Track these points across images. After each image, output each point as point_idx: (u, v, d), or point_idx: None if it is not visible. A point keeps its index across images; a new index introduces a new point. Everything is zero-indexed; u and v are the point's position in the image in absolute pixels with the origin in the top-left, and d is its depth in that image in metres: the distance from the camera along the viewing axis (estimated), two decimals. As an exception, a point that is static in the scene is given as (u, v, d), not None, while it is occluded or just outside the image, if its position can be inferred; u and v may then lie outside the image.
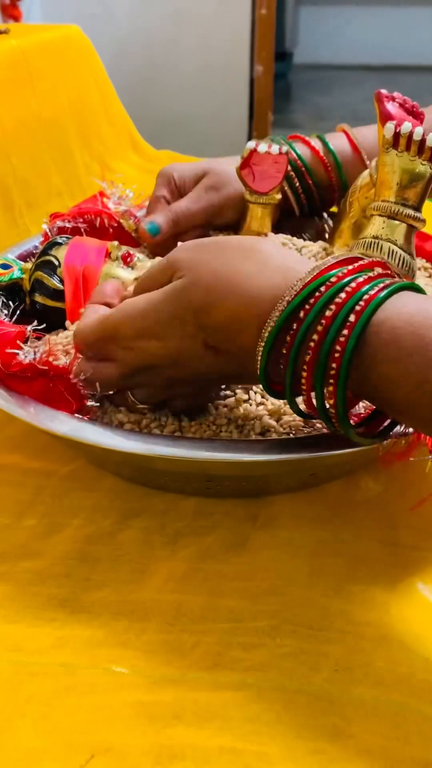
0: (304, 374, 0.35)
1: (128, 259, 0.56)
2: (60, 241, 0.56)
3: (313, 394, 0.35)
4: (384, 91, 0.50)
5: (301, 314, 0.35)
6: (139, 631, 0.37)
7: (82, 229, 0.62)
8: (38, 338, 0.50)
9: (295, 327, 0.35)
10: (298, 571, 0.40)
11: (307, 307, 0.35)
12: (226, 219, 0.63)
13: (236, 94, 2.34)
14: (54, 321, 0.53)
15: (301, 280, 0.35)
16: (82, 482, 0.47)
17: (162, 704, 0.33)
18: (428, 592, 0.39)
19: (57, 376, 0.43)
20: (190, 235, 0.62)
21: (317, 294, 0.35)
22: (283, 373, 0.36)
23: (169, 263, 0.40)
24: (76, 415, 0.43)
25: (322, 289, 0.34)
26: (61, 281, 0.54)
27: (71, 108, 0.99)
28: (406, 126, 0.46)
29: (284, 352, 0.36)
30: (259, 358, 0.36)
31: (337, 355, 0.33)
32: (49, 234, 0.60)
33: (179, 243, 0.42)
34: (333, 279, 0.35)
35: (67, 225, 0.61)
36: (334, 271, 0.35)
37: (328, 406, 0.35)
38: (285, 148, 0.58)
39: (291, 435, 0.42)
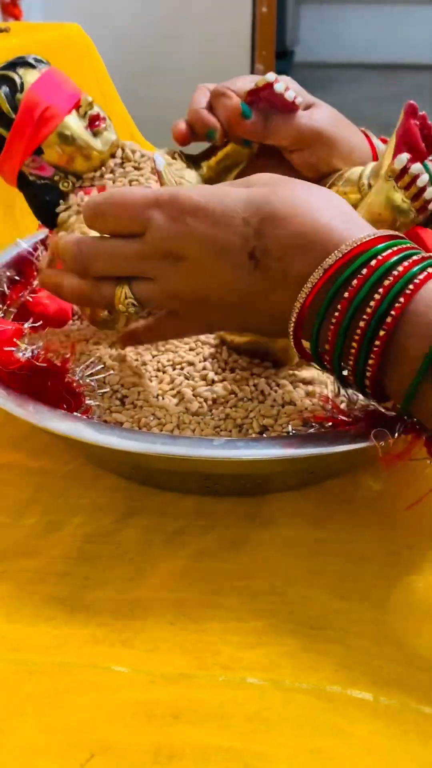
0: (355, 342, 0.34)
1: (96, 123, 0.51)
2: (32, 62, 0.51)
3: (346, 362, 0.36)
4: (415, 105, 0.48)
5: (347, 294, 0.34)
6: (138, 629, 0.37)
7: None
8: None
9: (355, 284, 0.34)
10: (297, 570, 0.40)
11: (355, 283, 0.34)
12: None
13: (237, 93, 2.34)
14: None
15: (366, 236, 0.35)
16: (81, 481, 0.47)
17: (161, 703, 0.33)
18: (427, 591, 0.39)
19: (55, 374, 0.42)
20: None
21: (360, 276, 0.34)
22: (335, 331, 0.35)
23: (245, 180, 0.40)
24: (75, 413, 0.43)
25: (373, 263, 0.34)
26: (15, 110, 0.49)
27: (71, 107, 0.98)
28: (416, 168, 0.46)
29: (338, 311, 0.35)
30: (308, 288, 0.35)
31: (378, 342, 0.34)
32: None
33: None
34: (373, 262, 0.34)
35: None
36: (385, 244, 0.35)
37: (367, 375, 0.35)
38: (299, 100, 0.53)
39: (290, 433, 0.42)
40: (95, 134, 0.51)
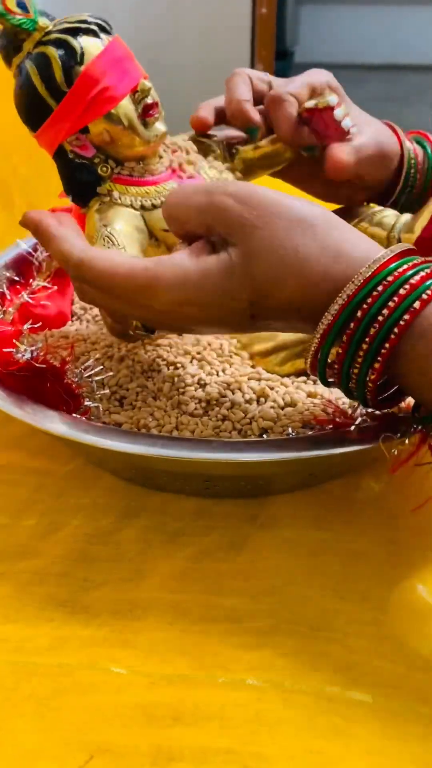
0: (356, 366, 0.36)
1: (150, 112, 0.47)
2: (96, 30, 0.46)
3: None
4: None
5: (359, 314, 0.35)
6: (137, 630, 0.37)
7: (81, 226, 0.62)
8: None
9: (353, 326, 0.35)
10: (297, 571, 0.40)
11: (365, 306, 0.34)
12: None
13: (237, 94, 2.34)
14: (33, 111, 0.48)
15: (361, 274, 0.35)
16: (81, 482, 0.47)
17: (161, 705, 0.33)
18: (427, 593, 0.39)
19: (54, 375, 0.42)
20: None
21: (374, 293, 0.34)
22: (339, 368, 0.36)
23: (218, 216, 0.37)
24: (74, 414, 0.43)
25: (380, 288, 0.34)
26: (69, 83, 0.45)
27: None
28: None
29: (340, 350, 0.36)
30: (313, 351, 0.36)
31: (384, 351, 0.34)
32: None
33: (227, 186, 0.39)
34: (390, 278, 0.35)
35: None
36: (393, 265, 0.35)
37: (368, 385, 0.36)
38: (354, 129, 0.51)
39: (290, 435, 0.42)
40: (146, 124, 0.48)
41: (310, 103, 0.51)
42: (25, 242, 0.60)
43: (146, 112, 0.47)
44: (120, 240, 0.46)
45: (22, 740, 0.32)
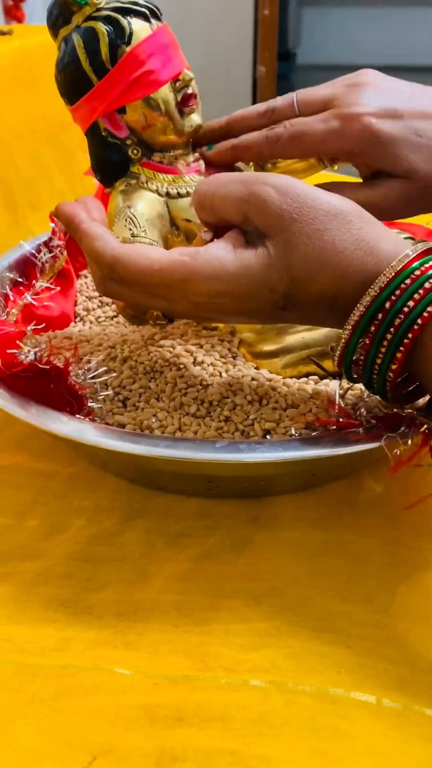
0: (380, 356, 0.36)
1: (189, 102, 0.48)
2: (147, 14, 0.46)
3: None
4: None
5: (387, 305, 0.35)
6: (141, 632, 0.37)
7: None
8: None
9: (380, 317, 0.36)
10: (299, 572, 0.40)
11: (393, 298, 0.35)
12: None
13: (239, 95, 2.35)
14: (73, 84, 0.47)
15: (392, 267, 0.36)
16: (84, 483, 0.47)
17: (164, 705, 0.33)
18: (431, 594, 0.39)
19: (58, 376, 0.43)
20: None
21: (402, 286, 0.35)
22: (364, 359, 0.37)
23: (257, 206, 0.38)
24: (78, 415, 0.43)
25: (407, 281, 0.35)
26: (114, 61, 0.45)
27: (74, 109, 0.99)
28: None
29: (367, 340, 0.36)
30: (344, 342, 0.37)
31: (406, 341, 0.35)
32: (56, 231, 0.60)
33: (266, 177, 0.39)
34: (417, 272, 0.35)
35: None
36: (418, 262, 0.36)
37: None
38: None
39: (292, 436, 0.42)
40: (182, 113, 0.48)
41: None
42: (28, 243, 0.60)
43: (185, 102, 0.47)
44: (141, 223, 0.47)
45: (26, 741, 0.32)
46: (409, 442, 0.38)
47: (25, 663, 0.35)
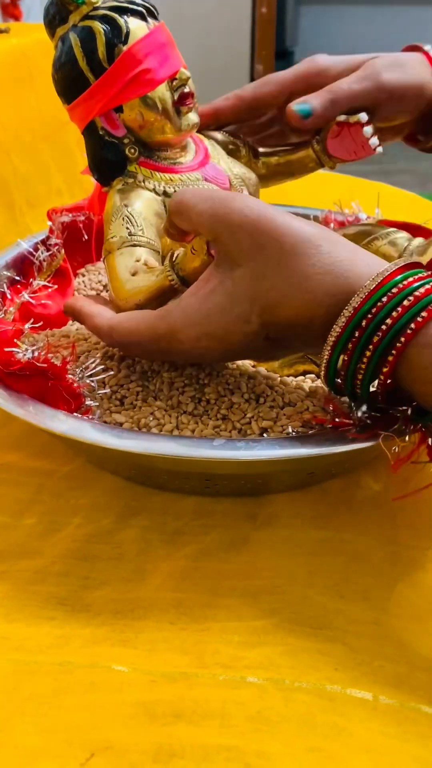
0: (360, 372, 0.37)
1: (185, 101, 0.48)
2: (144, 14, 0.47)
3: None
4: None
5: (364, 323, 0.36)
6: (138, 629, 0.37)
7: (81, 225, 0.62)
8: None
9: (357, 335, 0.36)
10: (297, 570, 0.40)
11: (369, 316, 0.36)
12: (398, 111, 0.53)
13: (237, 94, 2.34)
14: (70, 84, 0.48)
15: (365, 287, 0.36)
16: (81, 481, 0.47)
17: (162, 703, 0.33)
18: (428, 592, 0.39)
19: (55, 374, 0.43)
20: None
21: (379, 304, 0.36)
22: (344, 375, 0.38)
23: (229, 230, 0.39)
24: (75, 414, 0.43)
25: (384, 299, 0.35)
26: (111, 60, 0.46)
27: (71, 107, 0.99)
28: None
29: (345, 357, 0.37)
30: (325, 362, 0.38)
31: (390, 358, 0.36)
32: (54, 229, 0.60)
33: (243, 200, 0.39)
34: (394, 290, 0.36)
35: (66, 219, 0.61)
36: (398, 277, 0.36)
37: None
38: (380, 150, 0.52)
39: (289, 434, 0.42)
40: (179, 112, 0.48)
41: (341, 118, 0.51)
42: (25, 242, 0.60)
43: (182, 101, 0.48)
44: (138, 221, 0.47)
45: (24, 738, 0.32)
46: (407, 439, 0.38)
47: (23, 660, 0.35)
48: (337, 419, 0.40)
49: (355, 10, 4.30)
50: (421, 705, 0.33)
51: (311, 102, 0.51)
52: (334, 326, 0.36)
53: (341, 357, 0.37)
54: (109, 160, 0.49)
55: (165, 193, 0.49)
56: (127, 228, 0.47)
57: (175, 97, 0.48)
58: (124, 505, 0.45)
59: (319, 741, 0.31)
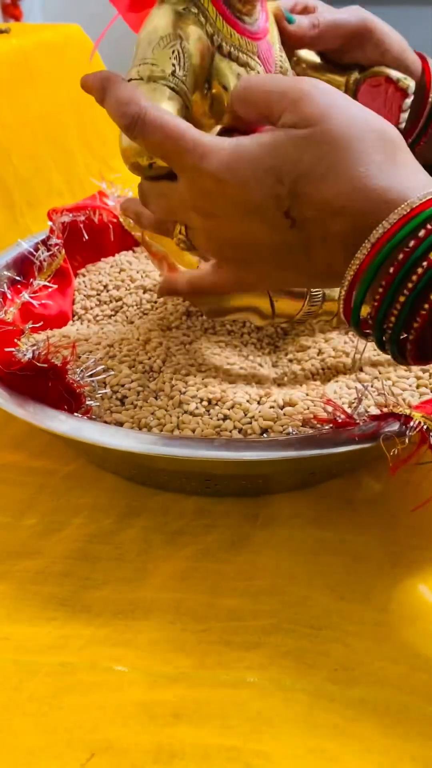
0: (395, 312, 0.33)
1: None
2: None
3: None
4: None
5: (412, 243, 0.32)
6: (139, 630, 0.37)
7: (81, 225, 0.62)
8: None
9: (400, 258, 0.32)
10: (298, 571, 0.40)
11: (417, 238, 0.31)
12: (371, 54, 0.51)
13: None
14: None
15: (408, 205, 0.32)
16: (82, 481, 0.47)
17: (162, 703, 0.33)
18: (428, 592, 0.39)
19: (55, 374, 0.43)
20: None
21: (423, 232, 0.31)
22: (377, 305, 0.33)
23: (292, 105, 0.35)
24: (76, 414, 0.43)
25: (429, 226, 0.31)
26: None
27: (72, 107, 0.99)
28: None
29: (380, 290, 0.33)
30: (346, 286, 0.34)
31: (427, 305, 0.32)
32: (54, 229, 0.60)
33: (319, 81, 0.36)
34: None
35: (66, 219, 0.61)
36: None
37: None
38: (402, 125, 0.49)
39: (290, 434, 0.42)
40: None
41: (393, 75, 0.49)
42: (26, 242, 0.60)
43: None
44: (186, 65, 0.41)
45: (24, 738, 0.32)
46: (407, 440, 0.38)
47: (24, 661, 0.35)
48: (338, 419, 0.40)
49: (355, 11, 4.29)
50: (421, 705, 0.33)
51: (298, 18, 0.50)
52: (369, 237, 0.32)
53: (373, 288, 0.33)
54: None
55: (220, 49, 0.43)
56: (174, 65, 0.40)
57: None
58: (125, 506, 0.45)
59: (320, 741, 0.31)
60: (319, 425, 0.41)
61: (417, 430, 0.38)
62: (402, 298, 0.32)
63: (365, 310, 0.34)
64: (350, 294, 0.34)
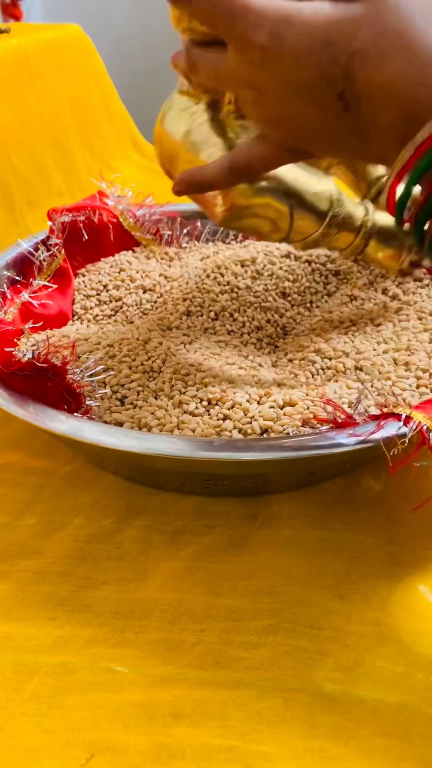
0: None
1: None
2: None
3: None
4: None
5: None
6: (139, 630, 0.37)
7: (81, 225, 0.62)
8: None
9: None
10: (298, 570, 0.40)
11: None
12: None
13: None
14: None
15: None
16: (81, 481, 0.47)
17: (162, 703, 0.33)
18: (428, 592, 0.39)
19: (55, 374, 0.43)
20: None
21: None
22: (424, 196, 0.32)
23: None
24: (75, 414, 0.43)
25: None
26: None
27: (72, 107, 0.99)
28: None
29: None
30: (396, 170, 0.32)
31: None
32: (54, 229, 0.60)
33: None
34: None
35: (66, 219, 0.61)
36: None
37: None
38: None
39: (290, 434, 0.42)
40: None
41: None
42: (26, 242, 0.60)
43: None
44: None
45: (24, 738, 0.32)
46: (407, 440, 0.38)
47: (24, 661, 0.35)
48: (337, 418, 0.40)
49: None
50: (421, 705, 0.33)
51: None
52: (422, 131, 0.30)
53: (425, 178, 0.31)
54: None
55: None
56: None
57: None
58: (125, 505, 0.45)
59: (319, 742, 0.31)
60: (319, 425, 0.41)
61: (417, 430, 0.38)
62: None
63: (410, 201, 0.32)
64: (398, 180, 0.32)
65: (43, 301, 0.56)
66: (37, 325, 0.52)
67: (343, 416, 0.40)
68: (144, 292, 0.61)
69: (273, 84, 0.34)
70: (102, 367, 0.47)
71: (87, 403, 0.44)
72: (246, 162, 0.41)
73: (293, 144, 0.38)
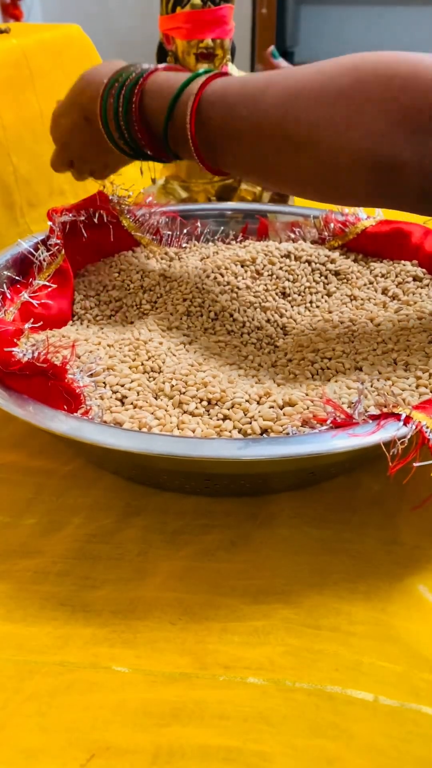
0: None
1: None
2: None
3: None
4: None
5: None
6: (139, 629, 0.37)
7: (81, 225, 0.62)
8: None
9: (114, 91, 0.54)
10: (298, 570, 0.40)
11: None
12: None
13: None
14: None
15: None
16: (82, 481, 0.47)
17: (162, 703, 0.33)
18: (428, 592, 0.39)
19: (55, 374, 0.43)
20: None
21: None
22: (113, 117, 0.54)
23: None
24: (76, 414, 0.43)
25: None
26: None
27: (72, 107, 0.98)
28: None
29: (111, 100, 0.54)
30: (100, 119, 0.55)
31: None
32: (54, 229, 0.60)
33: None
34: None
35: (66, 219, 0.61)
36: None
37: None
38: None
39: (290, 434, 0.42)
40: None
41: None
42: (26, 242, 0.60)
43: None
44: None
45: (24, 738, 0.32)
46: (407, 440, 0.38)
47: (24, 660, 0.35)
48: (337, 418, 0.40)
49: (355, 11, 4.30)
50: (421, 705, 0.33)
51: None
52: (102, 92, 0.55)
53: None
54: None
55: None
56: None
57: None
58: (125, 505, 0.45)
59: (320, 741, 0.31)
60: (319, 425, 0.41)
61: (417, 430, 0.38)
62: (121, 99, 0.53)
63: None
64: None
65: (43, 301, 0.56)
66: (37, 325, 0.52)
67: (342, 416, 0.40)
68: (144, 292, 0.61)
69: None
70: (102, 367, 0.47)
71: (87, 403, 0.44)
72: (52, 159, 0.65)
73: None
